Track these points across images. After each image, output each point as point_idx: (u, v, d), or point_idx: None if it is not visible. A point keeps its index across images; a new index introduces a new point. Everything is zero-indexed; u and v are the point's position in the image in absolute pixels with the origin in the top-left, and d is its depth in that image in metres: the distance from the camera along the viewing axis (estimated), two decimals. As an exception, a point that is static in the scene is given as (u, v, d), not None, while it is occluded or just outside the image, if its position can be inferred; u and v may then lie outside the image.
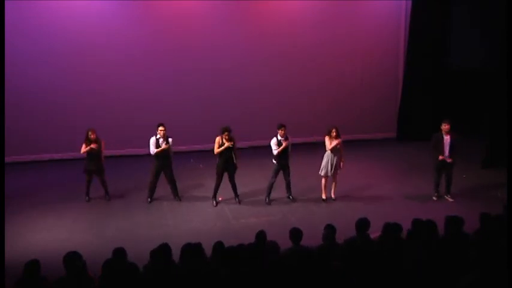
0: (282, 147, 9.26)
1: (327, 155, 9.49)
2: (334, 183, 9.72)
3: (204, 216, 9.14)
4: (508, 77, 10.29)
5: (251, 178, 10.68)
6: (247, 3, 12.58)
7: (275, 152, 9.30)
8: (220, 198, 9.69)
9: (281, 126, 9.31)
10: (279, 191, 9.77)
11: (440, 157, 9.40)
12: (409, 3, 13.43)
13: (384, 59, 13.84)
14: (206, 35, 12.38)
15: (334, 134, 9.38)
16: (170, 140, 9.37)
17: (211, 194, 9.69)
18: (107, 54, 11.94)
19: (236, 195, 9.66)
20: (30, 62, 11.56)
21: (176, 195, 9.75)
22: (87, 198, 9.68)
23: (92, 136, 9.29)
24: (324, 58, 13.31)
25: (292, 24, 12.88)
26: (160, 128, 9.23)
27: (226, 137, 9.13)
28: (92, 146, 9.22)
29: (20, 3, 11.06)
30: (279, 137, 9.32)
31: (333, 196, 9.77)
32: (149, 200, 9.68)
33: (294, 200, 9.70)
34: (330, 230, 6.10)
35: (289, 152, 9.49)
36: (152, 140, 9.28)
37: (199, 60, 12.45)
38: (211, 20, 12.36)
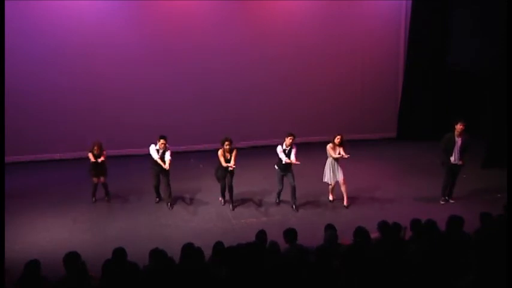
0: (288, 161, 9.03)
1: (329, 162, 9.38)
2: (344, 191, 9.46)
3: (204, 216, 9.14)
4: (508, 77, 10.28)
5: (251, 178, 10.68)
6: (248, 4, 12.58)
7: (284, 160, 9.00)
8: (220, 199, 9.69)
9: (290, 134, 9.05)
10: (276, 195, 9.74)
11: (452, 161, 9.27)
12: (409, 3, 13.43)
13: (384, 59, 13.84)
14: (206, 35, 12.36)
15: (338, 140, 9.19)
16: (168, 153, 9.23)
17: (211, 194, 9.70)
18: (107, 55, 11.93)
19: (231, 198, 9.51)
20: (30, 62, 11.54)
21: (168, 199, 9.71)
22: (93, 199, 9.71)
23: (96, 151, 9.32)
24: (324, 58, 13.30)
25: (292, 25, 12.87)
26: (162, 140, 9.15)
27: (228, 147, 9.02)
28: (102, 158, 9.30)
29: (19, 3, 11.04)
30: (284, 146, 9.11)
31: (345, 204, 9.51)
32: (157, 199, 9.70)
33: (296, 209, 9.36)
34: (333, 230, 6.11)
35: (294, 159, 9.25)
36: (153, 149, 9.22)
37: (200, 61, 12.43)
38: (212, 20, 12.34)
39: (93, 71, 11.93)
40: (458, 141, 9.21)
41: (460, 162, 9.31)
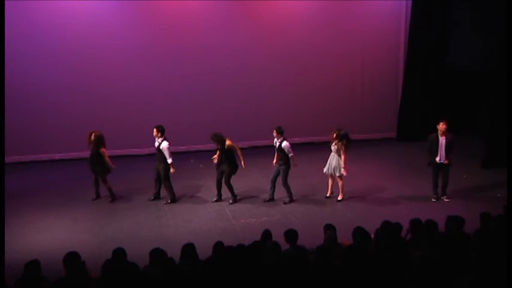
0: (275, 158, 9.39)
1: (331, 155, 9.46)
2: (339, 185, 9.58)
3: (204, 216, 9.13)
4: (508, 76, 10.29)
5: (251, 178, 10.67)
6: (248, 4, 12.57)
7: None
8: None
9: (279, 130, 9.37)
10: (280, 192, 9.74)
11: (437, 160, 9.35)
12: (409, 3, 13.41)
13: (384, 59, 13.82)
14: (206, 35, 12.35)
15: (334, 135, 9.31)
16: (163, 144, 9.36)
17: (211, 194, 9.68)
18: (106, 55, 11.92)
19: (232, 196, 9.64)
20: (30, 62, 11.54)
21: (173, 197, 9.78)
22: (94, 196, 9.76)
23: (93, 138, 9.36)
24: (324, 58, 13.29)
25: (292, 25, 12.86)
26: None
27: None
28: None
29: (19, 3, 11.04)
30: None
31: (338, 198, 9.66)
32: (152, 198, 9.74)
33: (286, 203, 9.62)
34: (333, 230, 6.10)
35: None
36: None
37: (200, 61, 12.42)
38: (211, 20, 12.33)
39: (93, 71, 11.91)
40: (442, 140, 9.28)
41: (446, 161, 9.34)
